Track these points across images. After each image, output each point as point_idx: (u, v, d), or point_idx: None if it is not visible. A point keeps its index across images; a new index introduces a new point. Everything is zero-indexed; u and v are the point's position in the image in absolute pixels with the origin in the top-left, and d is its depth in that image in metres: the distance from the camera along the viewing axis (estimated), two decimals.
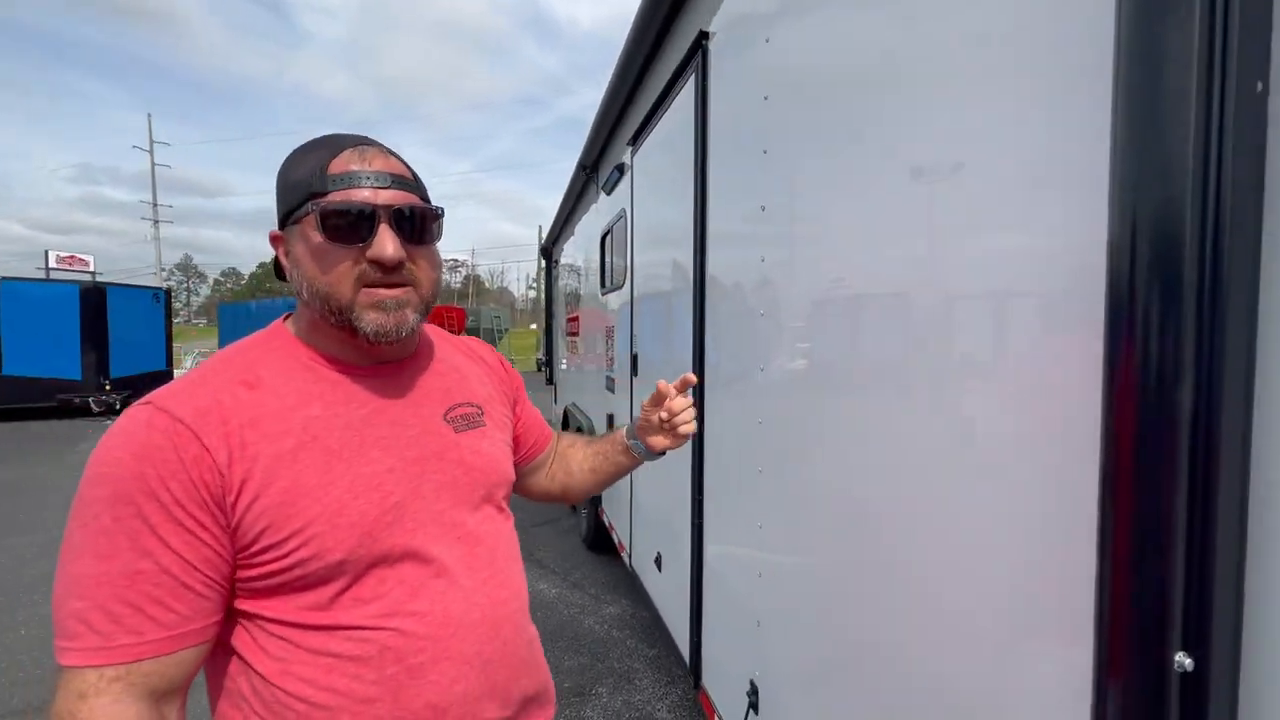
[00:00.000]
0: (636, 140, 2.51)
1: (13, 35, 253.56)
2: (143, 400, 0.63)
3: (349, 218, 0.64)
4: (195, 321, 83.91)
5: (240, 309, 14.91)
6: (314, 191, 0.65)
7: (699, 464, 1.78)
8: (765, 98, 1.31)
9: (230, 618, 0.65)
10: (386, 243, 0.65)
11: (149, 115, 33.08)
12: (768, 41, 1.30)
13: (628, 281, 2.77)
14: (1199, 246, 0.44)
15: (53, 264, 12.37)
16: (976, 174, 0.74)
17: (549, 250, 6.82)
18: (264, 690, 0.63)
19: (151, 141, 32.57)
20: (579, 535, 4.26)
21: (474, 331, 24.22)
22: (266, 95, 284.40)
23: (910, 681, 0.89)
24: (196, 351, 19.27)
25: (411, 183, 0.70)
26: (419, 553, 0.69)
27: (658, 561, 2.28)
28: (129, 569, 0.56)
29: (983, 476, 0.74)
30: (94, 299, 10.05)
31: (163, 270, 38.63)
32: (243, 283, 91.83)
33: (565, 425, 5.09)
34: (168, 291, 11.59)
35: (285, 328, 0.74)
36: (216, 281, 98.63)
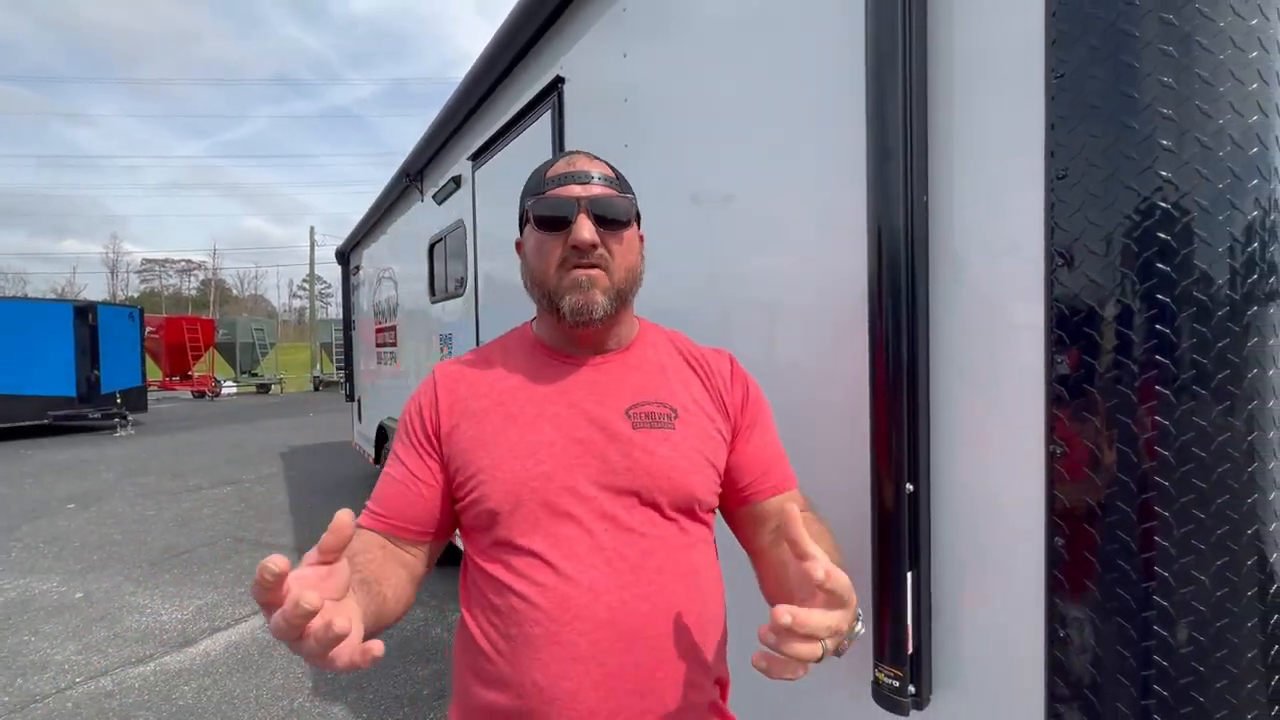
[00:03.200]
0: (479, 157, 2.65)
1: None
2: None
3: (556, 208, 0.76)
4: None
5: None
6: (536, 193, 0.79)
7: None
8: (625, 145, 1.64)
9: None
10: (583, 228, 0.75)
11: None
12: (626, 101, 1.63)
13: (469, 289, 2.87)
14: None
15: None
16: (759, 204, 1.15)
17: (346, 254, 6.29)
18: (464, 614, 0.78)
19: None
20: None
21: (229, 347, 19.95)
22: None
23: None
24: None
25: (614, 179, 0.81)
26: (555, 528, 0.72)
27: None
28: (388, 472, 0.81)
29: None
30: (86, 317, 10.43)
31: None
32: None
33: (380, 446, 4.79)
34: (141, 310, 12.45)
35: (529, 324, 0.90)
36: None
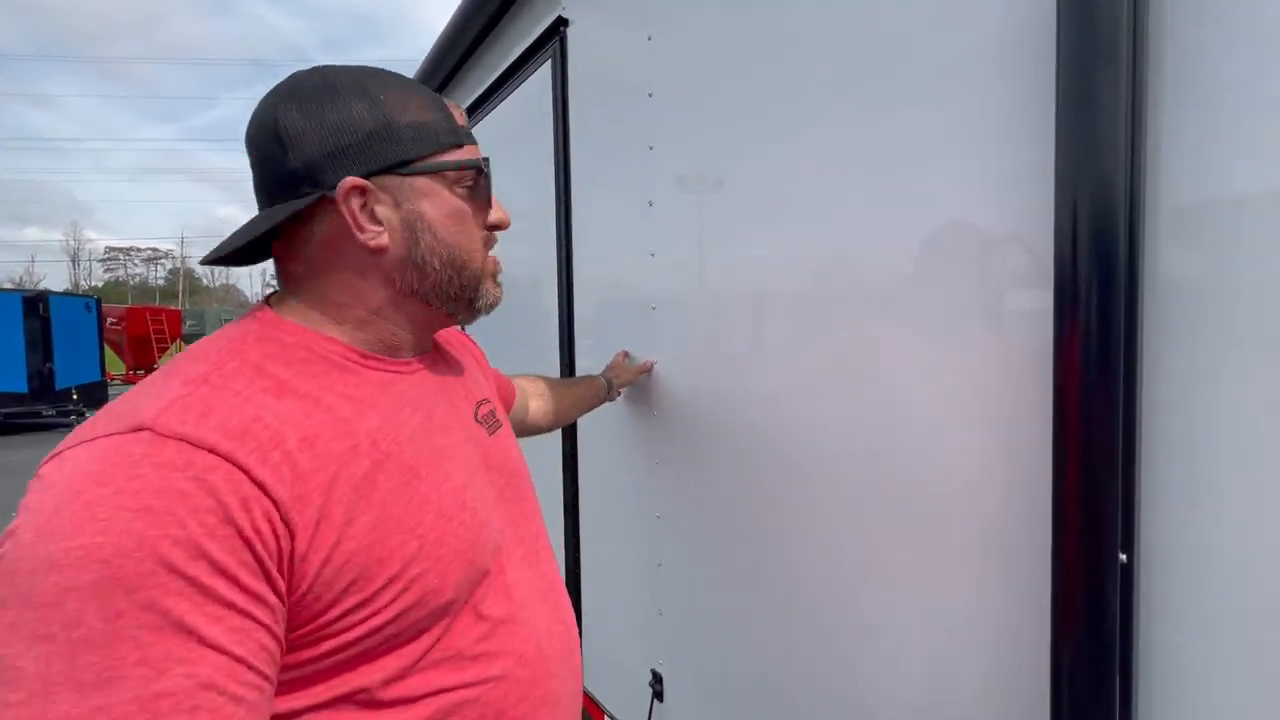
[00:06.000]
0: (470, 118, 2.31)
1: None
2: (118, 424, 0.43)
3: (487, 178, 0.61)
4: None
5: None
6: (450, 143, 0.58)
7: (572, 480, 1.73)
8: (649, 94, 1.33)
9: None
10: (501, 207, 0.64)
11: None
12: (650, 40, 1.32)
13: None
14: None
15: None
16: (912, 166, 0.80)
17: None
18: None
19: None
20: None
21: (197, 338, 19.09)
22: None
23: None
24: None
25: None
26: (507, 579, 0.61)
27: None
28: (141, 696, 0.37)
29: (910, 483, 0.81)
30: (38, 308, 9.71)
31: None
32: None
33: None
34: (98, 300, 11.79)
35: (281, 316, 0.57)
36: None
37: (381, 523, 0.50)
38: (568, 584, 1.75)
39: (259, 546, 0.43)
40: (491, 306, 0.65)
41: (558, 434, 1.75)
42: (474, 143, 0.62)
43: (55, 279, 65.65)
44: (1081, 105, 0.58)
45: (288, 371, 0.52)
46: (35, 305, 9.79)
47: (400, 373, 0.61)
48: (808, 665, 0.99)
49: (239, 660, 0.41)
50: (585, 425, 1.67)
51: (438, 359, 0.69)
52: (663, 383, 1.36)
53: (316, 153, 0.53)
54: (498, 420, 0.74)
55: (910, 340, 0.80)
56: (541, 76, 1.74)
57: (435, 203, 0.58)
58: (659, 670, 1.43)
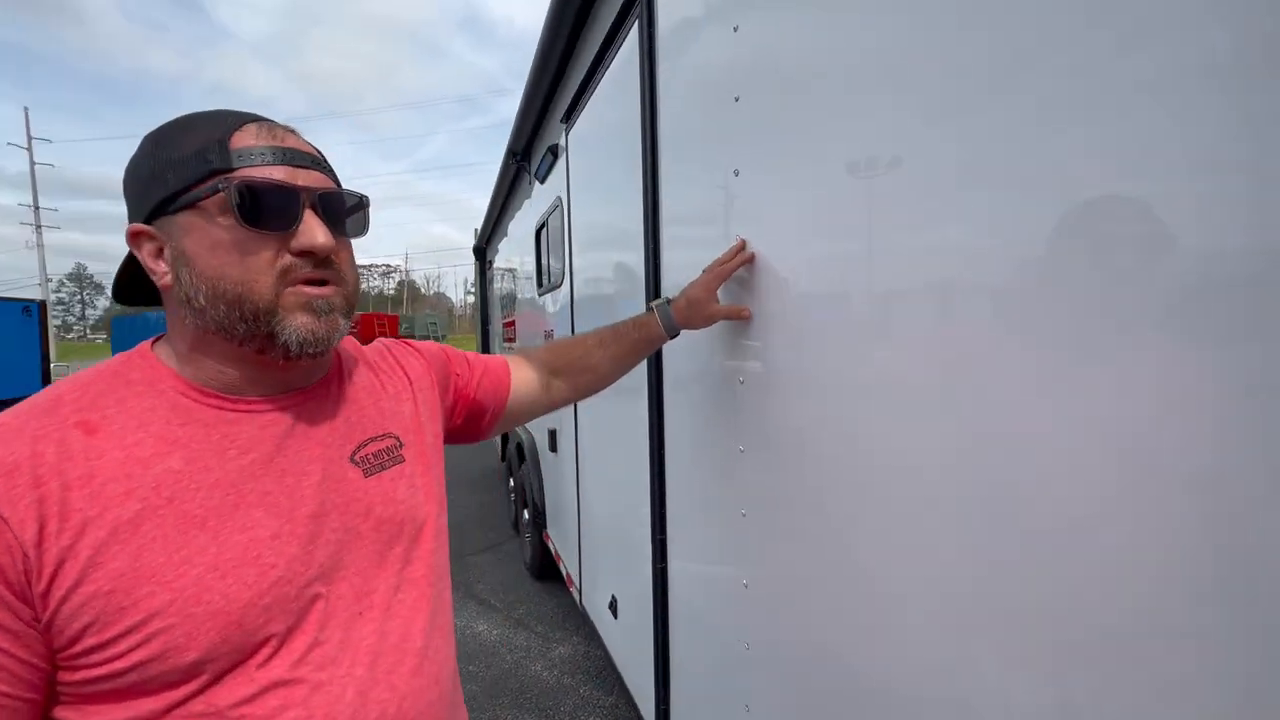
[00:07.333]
0: (570, 116, 2.17)
1: None
2: None
3: (272, 198, 0.55)
4: (93, 337, 76.58)
5: (138, 321, 13.30)
6: (215, 169, 0.54)
7: (660, 496, 1.46)
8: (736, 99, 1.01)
9: None
10: (316, 230, 0.57)
11: (25, 109, 30.07)
12: None
13: (566, 279, 2.43)
14: None
15: None
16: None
17: (482, 250, 6.35)
18: None
19: (30, 138, 29.39)
20: (522, 562, 3.87)
21: (408, 339, 23.22)
22: (184, 93, 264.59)
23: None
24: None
25: (329, 168, 0.62)
26: (305, 640, 0.56)
27: (613, 607, 1.95)
28: None
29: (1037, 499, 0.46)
30: None
31: (49, 280, 35.09)
32: None
33: (505, 443, 4.68)
34: (42, 304, 9.75)
35: (152, 353, 0.60)
36: None
37: (133, 571, 0.50)
38: (655, 638, 1.51)
39: (9, 573, 0.47)
40: (306, 342, 0.57)
41: (644, 476, 1.50)
42: (266, 164, 0.55)
43: None
44: None
45: (114, 408, 0.54)
46: None
47: (241, 411, 0.59)
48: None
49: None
50: (674, 454, 1.39)
51: (322, 395, 0.66)
52: (747, 407, 1.04)
53: (128, 203, 0.58)
54: (396, 458, 0.69)
55: (1067, 341, 0.54)
56: (630, 45, 1.50)
57: (196, 237, 0.55)
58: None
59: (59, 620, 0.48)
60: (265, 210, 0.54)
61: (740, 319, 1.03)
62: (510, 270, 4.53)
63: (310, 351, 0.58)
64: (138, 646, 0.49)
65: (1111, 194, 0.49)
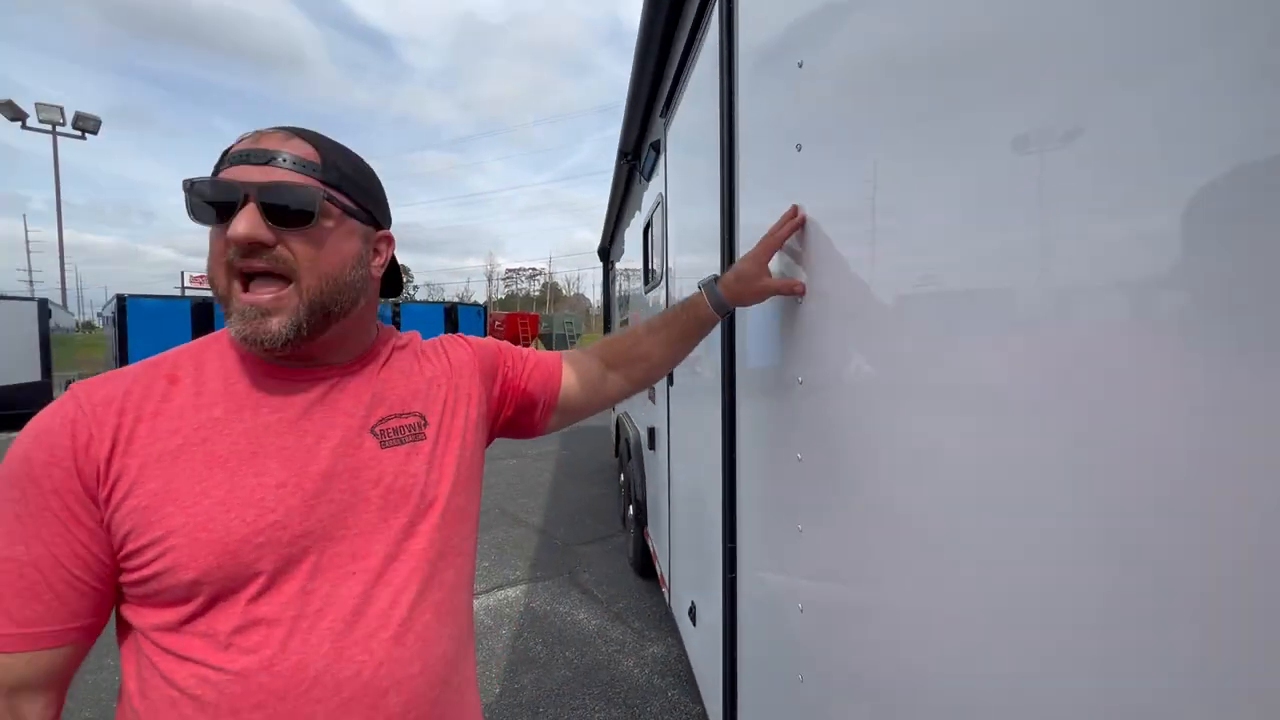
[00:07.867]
0: (669, 109, 2.14)
1: (168, 87, 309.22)
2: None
3: (209, 194, 0.60)
4: None
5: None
6: (200, 178, 0.62)
7: (730, 502, 1.38)
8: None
9: (122, 622, 0.62)
10: (239, 220, 0.58)
11: None
12: None
13: (664, 276, 2.40)
14: None
15: (187, 283, 14.49)
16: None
17: (606, 251, 6.56)
18: (127, 709, 0.61)
19: None
20: (627, 557, 3.92)
21: (547, 337, 25.29)
22: (376, 124, 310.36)
23: None
24: None
25: (312, 165, 0.63)
26: (295, 586, 0.61)
27: (692, 614, 1.89)
28: (6, 559, 0.56)
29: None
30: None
31: None
32: None
33: (617, 439, 4.78)
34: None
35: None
36: None
37: (164, 491, 0.58)
38: (724, 648, 1.42)
39: (80, 479, 0.57)
40: (245, 336, 0.61)
41: (716, 481, 1.42)
42: (239, 165, 0.61)
43: (479, 294, 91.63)
44: None
45: (193, 367, 0.65)
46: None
47: (281, 379, 0.66)
48: None
49: (55, 556, 0.57)
50: (745, 463, 1.30)
51: (356, 371, 0.71)
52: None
53: None
54: (417, 435, 0.72)
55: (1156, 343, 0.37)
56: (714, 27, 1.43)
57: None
58: None
59: (114, 524, 0.58)
60: (207, 206, 0.60)
61: (794, 294, 0.94)
62: (626, 270, 4.61)
63: (255, 347, 0.62)
64: (155, 559, 0.57)
65: None
